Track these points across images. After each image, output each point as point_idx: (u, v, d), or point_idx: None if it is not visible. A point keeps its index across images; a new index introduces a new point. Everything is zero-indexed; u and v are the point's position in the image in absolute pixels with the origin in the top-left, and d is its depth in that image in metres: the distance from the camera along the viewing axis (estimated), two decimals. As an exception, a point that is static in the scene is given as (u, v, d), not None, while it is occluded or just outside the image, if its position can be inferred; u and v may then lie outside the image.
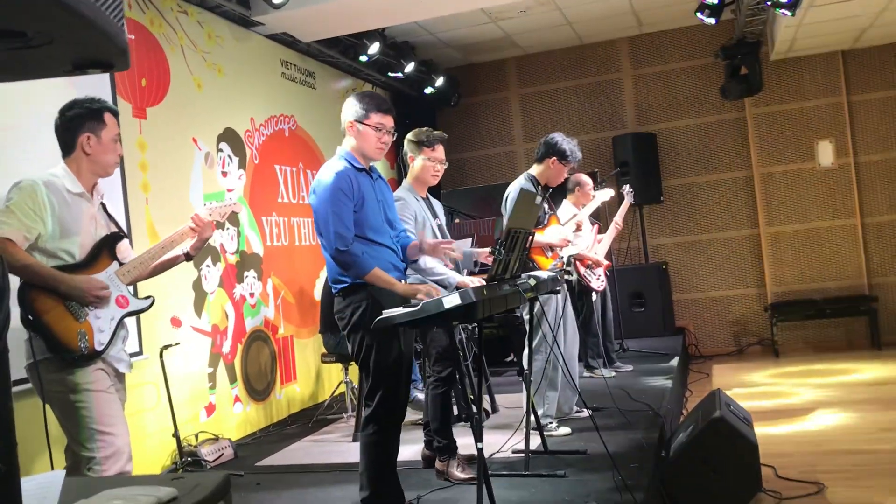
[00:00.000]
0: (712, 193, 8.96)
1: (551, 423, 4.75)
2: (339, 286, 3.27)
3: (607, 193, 6.13)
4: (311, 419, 5.92)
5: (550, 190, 5.11)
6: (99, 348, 2.92)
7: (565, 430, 4.73)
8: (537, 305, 4.45)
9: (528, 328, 4.51)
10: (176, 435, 4.60)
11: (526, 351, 4.48)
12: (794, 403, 6.21)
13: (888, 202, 8.52)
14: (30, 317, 2.80)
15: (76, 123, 3.02)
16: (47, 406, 2.90)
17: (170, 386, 4.63)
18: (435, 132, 4.23)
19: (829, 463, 4.57)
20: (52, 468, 2.65)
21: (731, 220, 8.93)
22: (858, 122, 8.57)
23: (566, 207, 6.14)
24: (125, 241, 3.17)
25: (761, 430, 4.79)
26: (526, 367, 4.44)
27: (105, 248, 3.03)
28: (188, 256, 3.31)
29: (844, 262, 8.59)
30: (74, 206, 2.97)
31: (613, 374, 6.52)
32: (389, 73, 7.98)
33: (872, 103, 8.53)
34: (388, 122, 3.38)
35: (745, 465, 3.93)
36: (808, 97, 8.63)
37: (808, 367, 7.62)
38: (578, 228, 5.61)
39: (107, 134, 3.04)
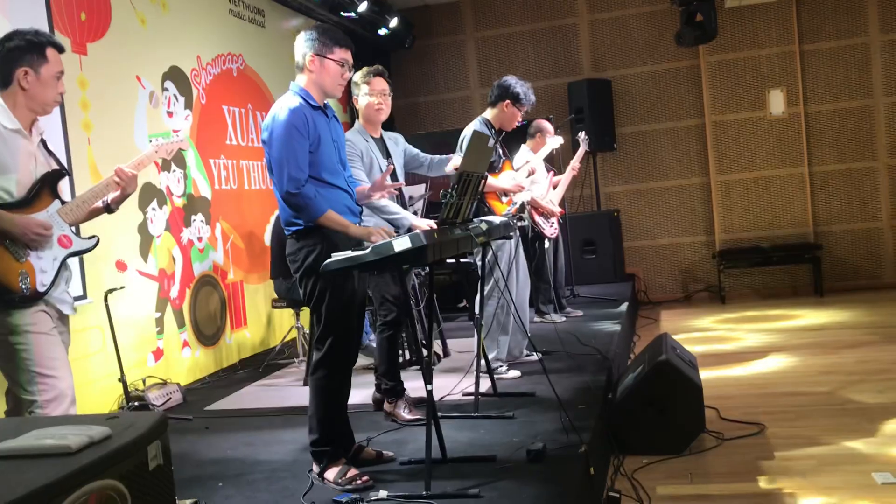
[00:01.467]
0: (665, 141, 9.02)
1: (502, 366, 4.80)
2: (293, 228, 3.19)
3: (558, 140, 6.12)
4: (261, 364, 5.89)
5: (504, 134, 5.08)
6: (41, 289, 2.83)
7: (515, 373, 4.79)
8: (489, 251, 4.44)
9: (480, 273, 4.51)
10: (122, 379, 4.53)
11: (478, 296, 4.49)
12: (738, 348, 6.36)
13: (836, 152, 8.67)
14: (-35, 257, 2.69)
15: (14, 56, 2.87)
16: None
17: (115, 330, 4.54)
18: (372, 67, 4.16)
19: (770, 404, 4.70)
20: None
21: (683, 168, 9.01)
22: (810, 72, 8.65)
23: (523, 152, 6.11)
24: (66, 179, 3.04)
25: (706, 374, 4.90)
26: (477, 311, 4.45)
27: (46, 186, 2.91)
28: (108, 209, 3.15)
29: (791, 211, 8.75)
30: (10, 141, 2.84)
31: (564, 319, 6.59)
32: (342, 13, 7.78)
33: (824, 53, 8.61)
34: (350, 57, 3.28)
35: (689, 407, 4.02)
36: (761, 45, 8.67)
37: (753, 313, 7.80)
38: (531, 174, 5.60)
39: (48, 70, 2.90)
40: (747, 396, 4.92)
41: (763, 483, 3.56)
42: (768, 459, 3.82)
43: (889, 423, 4.16)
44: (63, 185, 3.02)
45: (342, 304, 3.17)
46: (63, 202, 2.97)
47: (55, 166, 3.02)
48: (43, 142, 3.03)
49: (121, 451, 1.27)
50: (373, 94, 4.09)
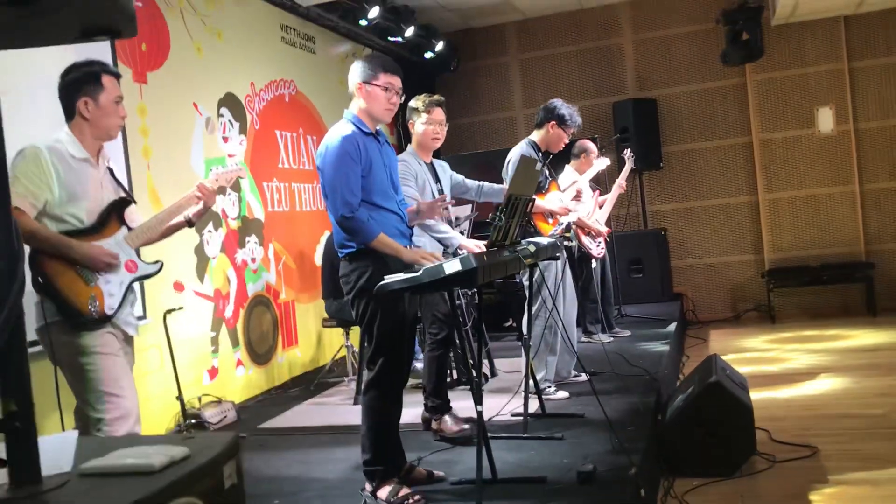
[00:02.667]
0: (712, 159, 8.97)
1: (550, 387, 4.82)
2: (346, 251, 3.28)
3: (604, 162, 6.15)
4: (312, 383, 5.99)
5: (551, 156, 5.13)
6: (109, 312, 2.96)
7: (563, 394, 4.80)
8: (537, 271, 4.49)
9: (527, 294, 4.56)
10: (180, 398, 4.66)
11: (525, 316, 4.53)
12: (789, 369, 6.28)
13: (887, 169, 8.53)
14: (40, 279, 2.83)
15: (74, 88, 3.01)
16: (57, 368, 2.94)
17: (173, 349, 4.68)
18: (432, 96, 4.28)
19: (822, 427, 4.65)
20: (63, 429, 2.71)
21: (730, 186, 8.94)
22: (859, 89, 8.54)
23: (568, 173, 6.16)
24: (133, 206, 3.18)
25: (757, 395, 4.86)
26: (525, 332, 4.49)
27: (114, 213, 3.05)
28: (190, 223, 3.32)
29: (842, 229, 8.62)
30: (80, 171, 2.98)
31: (611, 339, 6.58)
32: (389, 38, 7.93)
33: (873, 70, 8.50)
34: (396, 82, 3.37)
35: (740, 429, 4.00)
36: (809, 63, 8.59)
37: (804, 332, 7.69)
38: (578, 195, 5.64)
39: (106, 97, 3.02)
40: (799, 418, 4.86)
41: (816, 507, 3.53)
42: (821, 483, 3.78)
43: (946, 446, 4.09)
44: (129, 212, 3.15)
45: (393, 324, 3.24)
46: (130, 228, 3.10)
47: (122, 194, 3.16)
48: (110, 170, 3.18)
49: (200, 471, 1.35)
50: (431, 123, 4.21)
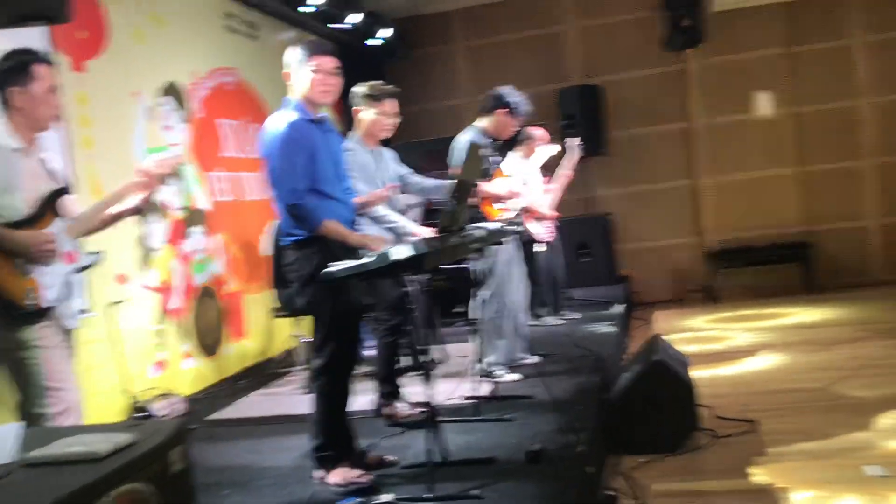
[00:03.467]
0: (655, 145, 9.11)
1: (501, 370, 4.87)
2: (291, 239, 3.27)
3: (554, 148, 6.20)
4: (262, 373, 5.96)
5: (500, 143, 5.16)
6: (47, 305, 2.90)
7: (515, 376, 4.86)
8: (485, 256, 4.53)
9: (475, 278, 4.60)
10: (127, 391, 4.60)
11: (475, 300, 4.58)
12: (731, 347, 6.45)
13: (825, 152, 8.78)
14: (-26, 275, 2.77)
15: (4, 77, 2.93)
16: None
17: (119, 343, 4.61)
18: (386, 86, 4.20)
19: (762, 402, 4.79)
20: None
21: (673, 170, 9.11)
22: (799, 74, 8.76)
23: (512, 159, 6.20)
24: (70, 196, 3.12)
25: (699, 373, 4.99)
26: (478, 315, 4.53)
27: (50, 204, 2.99)
28: (137, 210, 3.26)
29: (782, 211, 8.85)
30: (14, 161, 2.91)
31: (560, 321, 6.68)
32: (334, 24, 7.87)
33: (813, 55, 8.71)
34: (327, 62, 3.31)
35: (683, 406, 4.12)
36: (750, 48, 8.77)
37: (746, 312, 7.90)
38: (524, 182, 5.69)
39: (38, 87, 2.94)
40: (740, 395, 5.01)
41: (756, 478, 3.65)
42: (761, 455, 3.91)
43: (880, 417, 4.25)
44: (66, 202, 3.09)
45: (342, 311, 3.25)
46: (67, 219, 3.04)
47: (58, 184, 3.10)
48: (46, 160, 3.11)
49: (145, 457, 1.35)
50: (384, 114, 4.16)
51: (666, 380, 4.09)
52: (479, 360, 4.41)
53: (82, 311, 4.20)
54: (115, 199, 3.14)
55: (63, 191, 3.08)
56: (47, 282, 2.92)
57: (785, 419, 4.42)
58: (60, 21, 1.49)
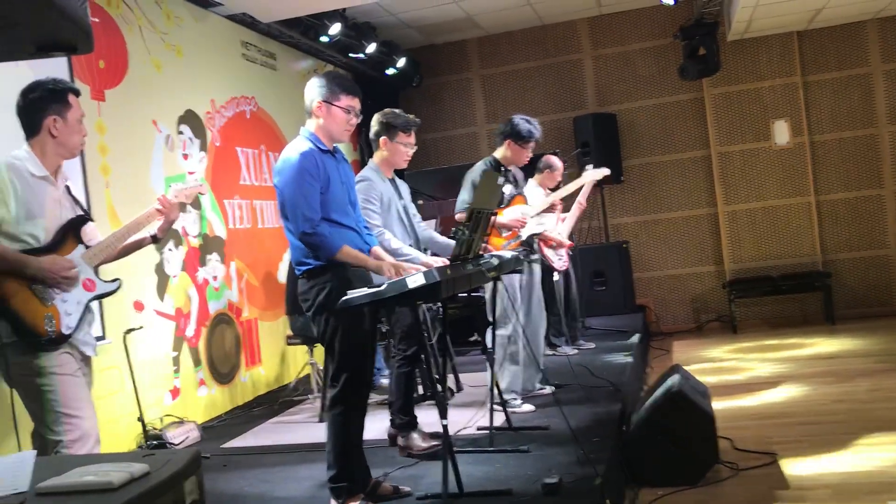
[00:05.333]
0: (671, 173, 9.10)
1: (515, 399, 4.83)
2: (303, 268, 3.28)
3: (599, 173, 6.13)
4: (276, 401, 5.94)
5: (509, 171, 5.13)
6: (66, 332, 2.91)
7: (529, 407, 4.82)
8: (500, 284, 4.51)
9: (490, 307, 4.57)
10: (141, 419, 4.60)
11: (490, 329, 4.55)
12: (750, 378, 6.37)
13: (841, 181, 8.73)
14: (-6, 301, 2.78)
15: (40, 106, 2.97)
16: (13, 390, 2.88)
17: (134, 370, 4.61)
18: (409, 117, 4.19)
19: (784, 434, 4.72)
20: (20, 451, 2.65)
21: (690, 198, 9.09)
22: (813, 102, 8.75)
23: (531, 187, 6.19)
24: (91, 224, 3.14)
25: (719, 404, 4.92)
26: (490, 345, 4.50)
27: (70, 232, 3.01)
28: (155, 239, 3.29)
29: (799, 240, 8.79)
30: (38, 189, 2.94)
31: (576, 351, 6.63)
32: (351, 54, 7.95)
33: (826, 84, 8.71)
34: (357, 104, 3.38)
35: (702, 438, 4.05)
36: (764, 77, 8.78)
37: (765, 342, 7.81)
38: (554, 208, 5.66)
39: (72, 115, 3.01)
40: (761, 426, 4.93)
41: (778, 513, 3.58)
42: (783, 489, 3.84)
43: (903, 450, 4.17)
44: (87, 230, 3.11)
45: (355, 340, 3.23)
46: (87, 246, 3.06)
47: (79, 212, 3.12)
48: (67, 188, 3.14)
49: (160, 487, 1.34)
50: (407, 145, 4.15)
51: (686, 411, 4.03)
52: (495, 390, 4.36)
53: (98, 339, 4.23)
54: (135, 227, 3.17)
55: (84, 218, 3.10)
56: (66, 309, 2.93)
57: (807, 452, 4.34)
58: (84, 51, 1.50)
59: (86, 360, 3.09)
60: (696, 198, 9.07)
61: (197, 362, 5.60)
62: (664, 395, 4.12)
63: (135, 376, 4.61)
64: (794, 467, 4.11)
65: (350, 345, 3.22)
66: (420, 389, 5.29)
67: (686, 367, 4.80)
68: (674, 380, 4.23)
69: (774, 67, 8.76)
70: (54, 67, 4.35)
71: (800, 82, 8.71)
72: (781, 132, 8.79)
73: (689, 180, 9.08)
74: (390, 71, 8.65)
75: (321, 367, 5.50)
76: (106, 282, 3.11)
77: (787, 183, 8.81)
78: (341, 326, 3.20)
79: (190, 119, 5.83)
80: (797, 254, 8.78)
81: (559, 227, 6.45)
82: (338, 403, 3.26)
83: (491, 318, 4.64)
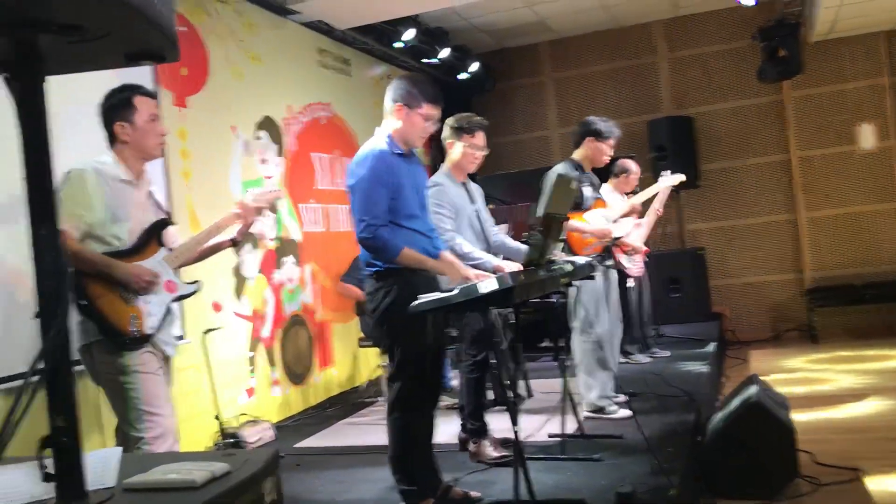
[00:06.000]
0: (750, 177, 8.87)
1: (611, 405, 4.73)
2: (372, 269, 3.26)
3: (676, 178, 6.02)
4: (348, 402, 6.01)
5: (589, 174, 5.08)
6: (149, 332, 3.00)
7: (626, 412, 4.65)
8: (579, 289, 4.47)
9: (570, 311, 4.54)
10: (218, 417, 4.71)
11: (573, 335, 4.52)
12: (832, 390, 6.15)
13: (931, 186, 8.38)
14: (83, 301, 2.88)
15: (108, 114, 3.07)
16: (99, 388, 2.99)
17: (212, 369, 4.73)
18: (476, 118, 4.17)
19: (867, 449, 4.54)
20: (104, 447, 2.74)
21: (769, 204, 8.84)
22: (902, 105, 8.41)
23: (606, 192, 6.10)
24: (173, 227, 3.23)
25: (799, 417, 4.77)
26: (572, 349, 4.46)
27: (154, 234, 3.10)
28: (234, 242, 3.37)
29: (885, 247, 8.46)
30: (123, 192, 3.04)
31: (650, 359, 6.51)
32: (424, 59, 8.00)
33: (917, 84, 8.37)
34: (437, 113, 3.36)
35: (781, 451, 3.92)
36: (849, 79, 8.48)
37: (847, 353, 7.53)
38: (632, 213, 5.58)
39: (139, 118, 3.06)
40: (843, 440, 4.76)
41: (863, 531, 3.44)
42: (867, 506, 3.69)
43: None
44: (169, 233, 3.20)
45: (416, 345, 3.21)
46: (169, 249, 3.15)
47: (162, 215, 3.22)
48: (151, 192, 3.23)
49: (240, 487, 1.36)
50: (474, 147, 4.13)
51: (764, 422, 3.91)
52: (572, 396, 4.31)
53: (179, 338, 4.35)
54: (215, 231, 3.24)
55: (166, 222, 3.19)
56: (150, 310, 3.02)
57: (891, 468, 4.17)
58: (171, 60, 1.54)
59: (166, 360, 3.18)
60: (775, 203, 8.82)
61: (272, 363, 5.71)
62: (742, 405, 4.01)
63: (213, 375, 4.72)
64: (881, 484, 3.94)
65: (410, 349, 3.21)
66: (490, 395, 5.28)
67: (764, 378, 4.66)
68: (752, 390, 4.12)
69: (860, 68, 8.45)
70: (139, 74, 4.49)
71: (887, 84, 8.38)
72: (867, 136, 8.47)
73: (768, 185, 8.83)
74: (462, 75, 8.68)
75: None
76: (187, 283, 3.19)
77: (872, 188, 8.48)
78: (403, 331, 3.19)
79: (267, 125, 5.96)
80: (881, 262, 8.44)
81: (634, 232, 6.35)
82: (397, 407, 3.25)
83: (573, 324, 4.60)
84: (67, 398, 1.38)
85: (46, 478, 1.37)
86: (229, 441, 4.75)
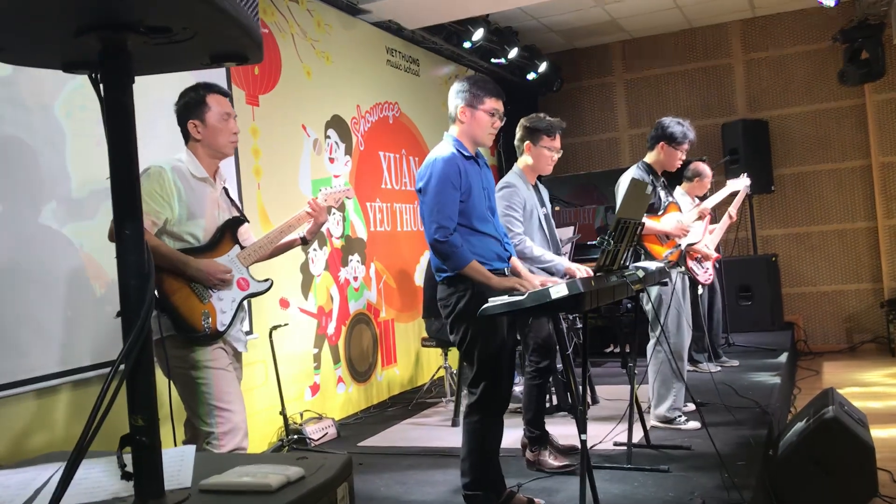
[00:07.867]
0: (827, 183, 8.58)
1: (681, 416, 4.64)
2: (444, 274, 3.26)
3: (741, 183, 5.90)
4: (410, 402, 6.01)
5: (662, 176, 4.98)
6: (221, 328, 3.03)
7: (695, 424, 4.55)
8: (655, 295, 4.38)
9: (649, 317, 4.46)
10: (283, 413, 4.76)
11: (652, 343, 4.44)
12: (912, 406, 5.90)
13: None
14: (157, 295, 2.93)
15: (183, 112, 3.12)
16: (170, 382, 3.03)
17: (278, 365, 4.78)
18: (554, 120, 4.10)
19: (951, 470, 4.33)
20: (175, 441, 2.78)
21: (846, 211, 8.53)
22: None
23: (678, 195, 5.98)
24: (246, 225, 3.27)
25: (877, 433, 4.57)
26: (648, 356, 4.38)
27: (227, 232, 3.14)
28: (304, 241, 3.39)
29: (971, 258, 8.09)
30: (199, 190, 3.08)
31: (719, 368, 6.35)
32: (492, 59, 7.96)
33: None
34: (501, 107, 3.36)
35: (859, 469, 3.77)
36: (936, 83, 8.14)
37: (928, 367, 7.23)
38: (702, 217, 5.46)
39: (211, 116, 3.09)
40: (925, 460, 4.55)
41: (948, 558, 3.28)
42: (953, 531, 3.52)
43: None
44: (242, 231, 3.24)
45: (494, 348, 3.20)
46: (242, 247, 3.19)
47: (236, 213, 3.25)
48: (225, 189, 3.27)
49: (315, 492, 1.35)
50: (552, 149, 4.08)
51: (841, 439, 3.77)
52: (639, 405, 4.23)
53: (247, 333, 4.41)
54: (287, 229, 3.27)
55: (240, 220, 3.23)
56: (222, 307, 3.05)
57: (980, 492, 3.97)
58: (255, 61, 1.54)
59: (237, 356, 3.22)
60: (853, 210, 8.51)
61: (336, 360, 5.75)
62: (817, 420, 3.87)
63: (278, 371, 4.78)
64: (966, 509, 3.76)
65: (489, 353, 3.20)
66: (553, 400, 5.22)
67: (839, 391, 4.49)
68: (829, 405, 3.97)
69: (948, 72, 8.10)
70: (213, 73, 4.57)
71: (977, 87, 8.02)
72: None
73: (845, 191, 8.53)
74: (531, 76, 8.61)
75: (454, 371, 5.52)
76: (259, 281, 3.22)
77: (958, 196, 8.12)
78: (481, 334, 3.18)
79: (336, 124, 6.00)
80: (968, 273, 8.07)
81: (707, 238, 6.21)
82: (475, 412, 3.24)
83: (652, 332, 4.51)
84: (147, 397, 1.39)
85: (125, 476, 1.38)
86: (293, 437, 4.80)
